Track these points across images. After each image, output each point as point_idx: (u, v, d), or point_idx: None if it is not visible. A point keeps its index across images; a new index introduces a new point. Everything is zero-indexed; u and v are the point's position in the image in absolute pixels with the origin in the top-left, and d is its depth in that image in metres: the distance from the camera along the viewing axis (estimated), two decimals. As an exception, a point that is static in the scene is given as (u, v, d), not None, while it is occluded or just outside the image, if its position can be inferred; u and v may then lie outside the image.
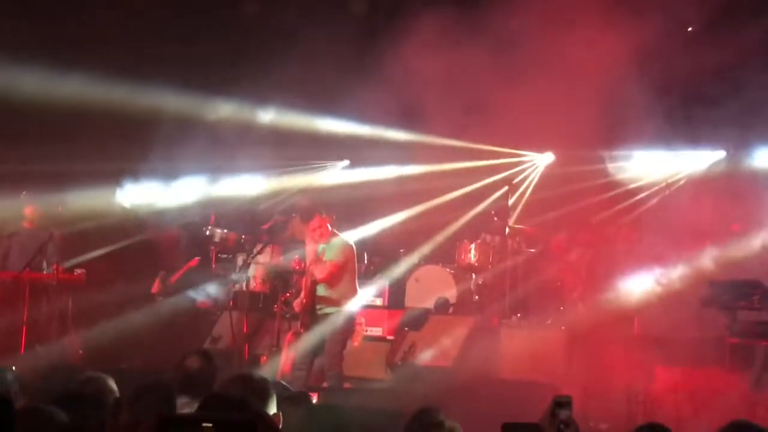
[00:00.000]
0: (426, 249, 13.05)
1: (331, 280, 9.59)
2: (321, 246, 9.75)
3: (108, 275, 11.50)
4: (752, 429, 3.86)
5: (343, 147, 13.81)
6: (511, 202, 12.58)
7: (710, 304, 8.30)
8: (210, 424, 1.97)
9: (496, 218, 12.24)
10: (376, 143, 13.23)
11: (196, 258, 12.19)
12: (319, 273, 9.57)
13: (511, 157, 13.99)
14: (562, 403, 3.63)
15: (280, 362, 9.82)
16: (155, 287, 11.88)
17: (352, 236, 10.18)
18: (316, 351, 9.65)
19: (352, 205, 12.45)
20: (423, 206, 13.55)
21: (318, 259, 9.69)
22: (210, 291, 11.97)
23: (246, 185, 14.01)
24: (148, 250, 12.33)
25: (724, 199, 10.82)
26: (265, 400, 4.24)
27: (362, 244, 10.53)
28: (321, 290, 9.72)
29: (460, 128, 12.43)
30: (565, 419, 3.54)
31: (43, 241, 10.68)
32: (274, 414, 4.29)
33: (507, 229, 12.00)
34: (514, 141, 13.34)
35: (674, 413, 8.25)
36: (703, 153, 13.31)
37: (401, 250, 13.27)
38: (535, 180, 14.29)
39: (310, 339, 9.89)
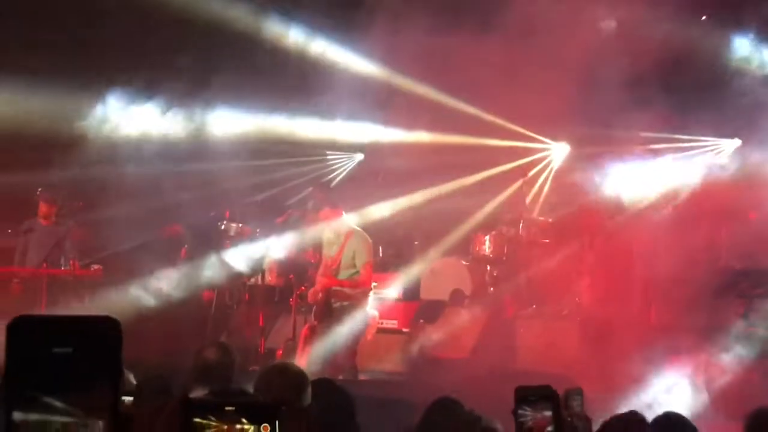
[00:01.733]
0: (441, 243, 13.09)
1: (367, 280, 9.75)
2: (338, 236, 9.84)
3: (123, 271, 11.56)
4: None
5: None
6: (528, 199, 12.62)
7: (726, 292, 8.28)
8: (233, 408, 2.00)
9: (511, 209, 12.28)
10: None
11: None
12: (361, 282, 9.73)
13: (529, 140, 13.99)
14: (572, 395, 3.68)
15: (296, 355, 9.88)
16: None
17: (364, 219, 10.27)
18: (332, 344, 9.70)
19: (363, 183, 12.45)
20: (437, 189, 13.57)
21: (339, 252, 9.77)
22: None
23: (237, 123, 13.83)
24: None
25: (740, 187, 10.80)
26: (301, 391, 4.27)
27: (376, 237, 10.55)
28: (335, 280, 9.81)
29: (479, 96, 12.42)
30: (576, 411, 3.58)
31: (60, 237, 10.76)
32: (309, 404, 4.32)
33: (522, 221, 12.00)
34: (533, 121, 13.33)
35: (690, 402, 8.25)
36: (719, 141, 13.29)
37: (416, 243, 13.30)
38: (552, 171, 14.30)
39: (325, 332, 9.94)
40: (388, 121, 13.61)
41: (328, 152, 15.72)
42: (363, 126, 13.94)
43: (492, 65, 11.09)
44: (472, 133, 13.33)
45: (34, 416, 1.24)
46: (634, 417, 4.07)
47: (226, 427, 2.00)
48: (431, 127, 13.52)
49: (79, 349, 1.26)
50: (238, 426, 2.00)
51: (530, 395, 2.74)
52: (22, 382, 1.24)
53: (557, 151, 14.31)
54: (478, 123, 13.04)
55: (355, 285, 9.88)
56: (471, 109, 12.92)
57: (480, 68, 11.19)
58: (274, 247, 11.82)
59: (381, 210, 12.78)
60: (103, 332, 1.28)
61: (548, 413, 2.73)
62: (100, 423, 1.22)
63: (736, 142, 13.21)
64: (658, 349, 8.81)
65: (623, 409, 8.34)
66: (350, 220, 10.08)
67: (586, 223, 11.74)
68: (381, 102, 12.81)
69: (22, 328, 1.27)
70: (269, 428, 1.99)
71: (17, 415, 1.23)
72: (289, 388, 3.92)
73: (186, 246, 12.20)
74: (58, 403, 1.22)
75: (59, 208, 11.10)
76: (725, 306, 8.97)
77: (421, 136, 13.66)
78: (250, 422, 2.02)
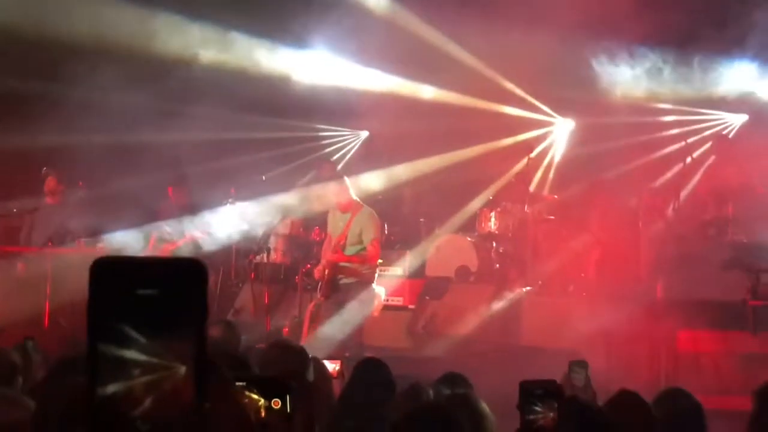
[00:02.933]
0: (446, 220, 13.08)
1: (374, 256, 9.75)
2: (346, 215, 9.83)
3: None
4: None
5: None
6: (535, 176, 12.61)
7: (733, 266, 8.26)
8: (243, 383, 1.99)
9: (516, 185, 12.25)
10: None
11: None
12: (369, 258, 9.72)
13: (535, 110, 13.96)
14: (577, 367, 3.69)
15: (302, 333, 9.89)
16: None
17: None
18: (338, 321, 9.71)
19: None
20: (442, 158, 13.54)
21: (346, 228, 9.76)
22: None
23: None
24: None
25: (749, 161, 10.76)
26: (304, 368, 4.29)
27: (381, 213, 10.54)
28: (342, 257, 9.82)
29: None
30: (579, 385, 3.59)
31: (65, 216, 10.75)
32: (312, 382, 4.34)
33: (528, 197, 11.97)
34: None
35: (697, 377, 8.24)
36: (726, 115, 13.23)
37: (421, 220, 13.28)
38: (557, 148, 14.27)
39: (331, 309, 9.95)
40: (393, 69, 13.47)
41: (334, 129, 15.71)
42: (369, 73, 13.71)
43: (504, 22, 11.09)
44: (479, 96, 13.31)
45: (118, 350, 1.22)
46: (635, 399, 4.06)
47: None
48: (437, 81, 13.45)
49: (164, 291, 1.24)
50: (248, 400, 1.99)
51: (536, 389, 2.73)
52: (107, 316, 1.22)
53: (562, 127, 14.27)
54: (484, 84, 13.01)
55: (362, 261, 9.87)
56: (481, 67, 12.87)
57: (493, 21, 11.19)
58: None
59: (383, 179, 12.75)
60: (189, 275, 1.25)
61: (555, 409, 2.72)
62: (183, 368, 1.20)
63: (744, 117, 13.16)
64: (665, 323, 8.79)
65: (631, 383, 8.36)
66: (355, 194, 10.06)
67: (595, 199, 11.71)
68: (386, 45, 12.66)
69: (105, 269, 1.25)
70: (280, 403, 1.99)
71: (101, 347, 1.22)
72: (291, 365, 3.92)
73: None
74: (143, 340, 1.20)
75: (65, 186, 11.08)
76: (733, 280, 8.96)
77: (426, 91, 13.60)
78: (261, 397, 2.01)
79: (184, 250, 10.93)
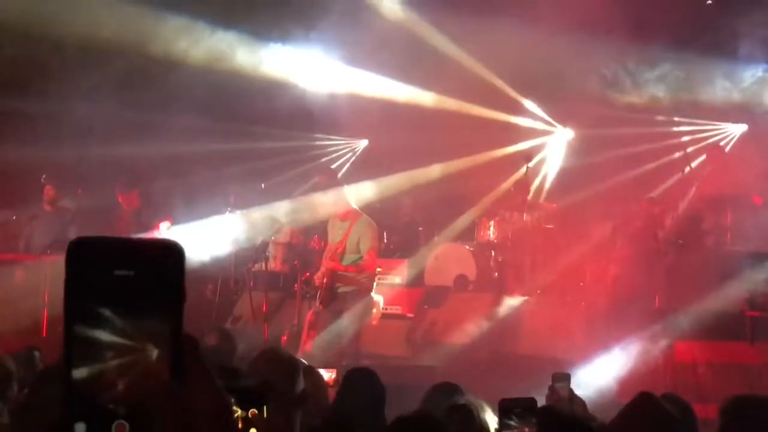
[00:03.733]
0: (445, 229, 13.08)
1: (372, 266, 9.76)
2: (345, 223, 9.84)
3: None
4: (754, 401, 3.84)
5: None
6: (535, 184, 12.60)
7: (730, 276, 8.25)
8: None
9: (515, 194, 12.25)
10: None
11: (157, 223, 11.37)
12: (366, 268, 9.72)
13: (534, 119, 13.98)
14: (559, 378, 3.71)
15: (301, 341, 9.89)
16: None
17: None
18: (336, 329, 9.71)
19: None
20: (443, 167, 13.54)
21: (345, 236, 9.77)
22: None
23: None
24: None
25: (746, 171, 10.76)
26: (292, 377, 4.26)
27: (380, 222, 10.55)
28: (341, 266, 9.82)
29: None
30: (564, 393, 3.61)
31: (64, 223, 10.76)
32: (302, 390, 4.31)
33: (526, 206, 11.97)
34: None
35: (694, 387, 8.23)
36: (725, 126, 13.23)
37: (420, 228, 13.28)
38: (557, 156, 14.27)
39: (329, 318, 9.94)
40: (393, 76, 13.49)
41: (332, 137, 15.72)
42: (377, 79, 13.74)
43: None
44: (479, 103, 13.32)
45: (94, 332, 1.21)
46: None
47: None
48: (437, 88, 13.46)
49: (141, 272, 1.24)
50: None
51: (515, 407, 2.76)
52: (83, 297, 1.22)
53: (561, 137, 14.27)
54: (484, 92, 13.02)
55: (360, 270, 9.88)
56: (481, 74, 12.88)
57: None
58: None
59: (382, 187, 12.76)
60: (166, 257, 1.25)
61: (532, 425, 2.76)
62: (158, 351, 1.20)
63: (743, 127, 13.15)
64: (663, 333, 8.78)
65: (629, 393, 8.36)
66: (355, 203, 10.07)
67: (596, 209, 11.73)
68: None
69: (81, 249, 1.24)
70: (257, 413, 1.98)
71: (78, 329, 1.20)
72: (278, 374, 3.90)
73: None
74: (119, 321, 1.20)
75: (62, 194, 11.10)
76: (730, 291, 8.97)
77: (426, 98, 13.61)
78: (238, 407, 2.01)
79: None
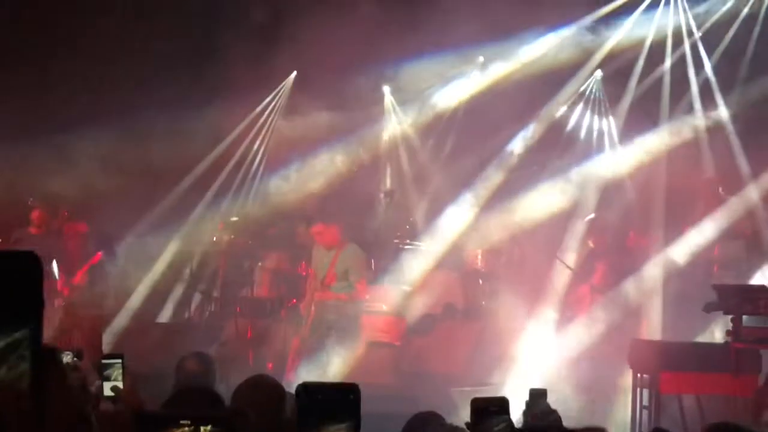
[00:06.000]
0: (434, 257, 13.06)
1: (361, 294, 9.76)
2: (331, 252, 9.84)
3: None
4: (732, 428, 3.85)
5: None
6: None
7: (715, 308, 8.26)
8: (187, 421, 1.97)
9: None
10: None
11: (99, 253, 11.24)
12: (356, 296, 9.73)
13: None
14: (537, 395, 3.73)
15: (286, 368, 9.86)
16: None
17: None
18: (322, 356, 9.69)
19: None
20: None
21: (331, 266, 9.78)
22: None
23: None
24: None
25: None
26: (278, 404, 4.21)
27: (366, 249, 10.56)
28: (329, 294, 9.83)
29: None
30: (543, 409, 3.62)
31: (50, 246, 10.70)
32: (288, 418, 4.25)
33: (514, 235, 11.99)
34: None
35: (679, 418, 8.22)
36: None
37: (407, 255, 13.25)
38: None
39: (315, 345, 9.92)
40: None
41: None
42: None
43: None
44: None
45: None
46: None
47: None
48: None
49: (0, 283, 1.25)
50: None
51: (489, 406, 2.77)
52: None
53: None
54: None
55: (350, 299, 9.87)
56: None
57: None
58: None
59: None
60: (24, 267, 1.26)
61: (504, 422, 2.77)
62: (22, 357, 1.20)
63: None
64: (649, 364, 8.77)
65: (614, 423, 8.36)
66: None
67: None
68: None
69: None
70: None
71: None
72: (264, 401, 3.87)
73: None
74: None
75: (51, 217, 11.06)
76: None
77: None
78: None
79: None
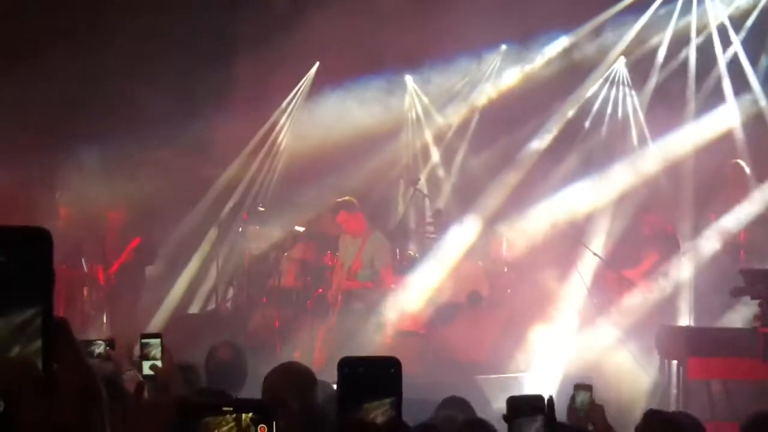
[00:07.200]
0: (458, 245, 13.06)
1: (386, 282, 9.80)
2: (357, 240, 9.88)
3: None
4: None
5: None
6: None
7: (742, 293, 8.24)
8: (230, 408, 2.01)
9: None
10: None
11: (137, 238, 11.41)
12: (381, 284, 9.78)
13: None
14: (581, 388, 3.74)
15: (314, 358, 9.91)
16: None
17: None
18: (349, 346, 9.73)
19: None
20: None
21: (358, 254, 9.83)
22: None
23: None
24: None
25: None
26: (307, 390, 4.26)
27: (391, 238, 10.60)
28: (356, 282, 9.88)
29: None
30: (581, 406, 3.63)
31: (79, 239, 10.82)
32: (315, 404, 4.30)
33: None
34: None
35: (708, 404, 8.21)
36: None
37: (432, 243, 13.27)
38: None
39: (342, 334, 9.97)
40: None
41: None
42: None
43: None
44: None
45: None
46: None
47: (225, 428, 2.02)
48: None
49: (12, 258, 1.26)
50: (236, 426, 2.02)
51: (523, 404, 2.79)
52: None
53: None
54: None
55: (376, 287, 9.91)
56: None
57: None
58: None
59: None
60: (36, 242, 1.27)
61: (540, 422, 2.79)
62: (34, 334, 1.22)
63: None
64: (676, 350, 8.76)
65: (637, 408, 8.36)
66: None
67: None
68: None
69: None
70: (266, 429, 2.01)
71: None
72: (293, 387, 3.91)
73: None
74: None
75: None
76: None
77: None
78: (250, 422, 2.03)
79: None
